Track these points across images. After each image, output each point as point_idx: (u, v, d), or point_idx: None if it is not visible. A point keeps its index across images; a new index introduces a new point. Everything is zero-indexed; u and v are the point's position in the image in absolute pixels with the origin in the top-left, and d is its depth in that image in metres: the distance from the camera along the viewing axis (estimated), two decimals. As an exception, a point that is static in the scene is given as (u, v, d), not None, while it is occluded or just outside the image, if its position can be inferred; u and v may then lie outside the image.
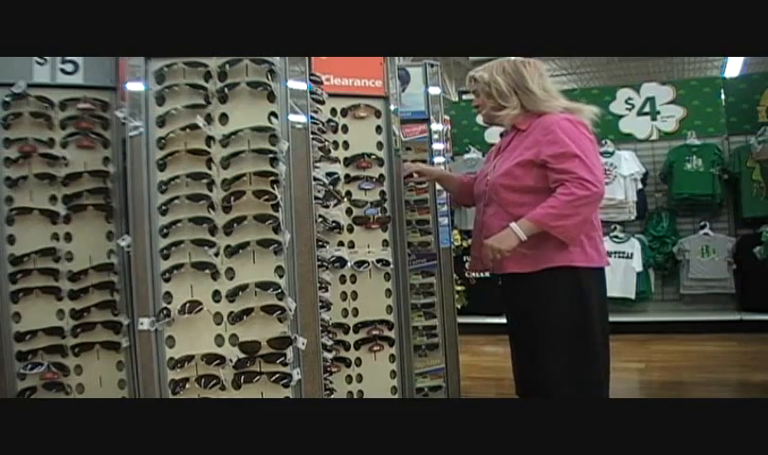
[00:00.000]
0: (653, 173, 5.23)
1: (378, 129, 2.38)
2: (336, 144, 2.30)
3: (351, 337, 2.28)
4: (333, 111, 2.30)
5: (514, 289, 1.94)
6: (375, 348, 2.30)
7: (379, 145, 2.37)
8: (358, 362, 2.30)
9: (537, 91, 1.91)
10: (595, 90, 6.53)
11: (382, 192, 2.35)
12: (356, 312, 2.30)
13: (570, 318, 1.82)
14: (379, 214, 2.33)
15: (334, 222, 2.10)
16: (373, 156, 2.34)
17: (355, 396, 2.29)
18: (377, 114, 2.37)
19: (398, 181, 2.37)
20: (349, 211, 2.31)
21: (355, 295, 2.30)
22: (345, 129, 2.34)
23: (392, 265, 2.33)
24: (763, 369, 3.76)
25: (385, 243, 2.34)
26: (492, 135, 5.18)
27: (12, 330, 1.82)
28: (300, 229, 1.69)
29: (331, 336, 2.04)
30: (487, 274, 2.04)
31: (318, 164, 1.91)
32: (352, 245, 2.30)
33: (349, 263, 2.24)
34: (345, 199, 2.28)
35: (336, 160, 2.23)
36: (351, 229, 2.31)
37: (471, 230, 2.39)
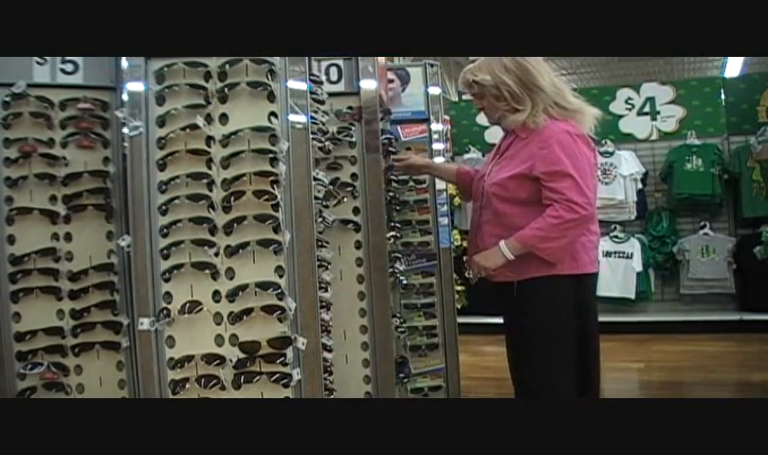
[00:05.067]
0: (653, 173, 5.24)
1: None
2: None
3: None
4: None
5: (503, 297, 1.94)
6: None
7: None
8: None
9: (547, 88, 1.84)
10: (595, 90, 6.53)
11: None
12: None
13: (549, 325, 1.83)
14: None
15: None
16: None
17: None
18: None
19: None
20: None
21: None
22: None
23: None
24: (763, 369, 3.76)
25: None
26: (492, 135, 5.18)
27: (12, 330, 1.82)
28: (300, 229, 1.69)
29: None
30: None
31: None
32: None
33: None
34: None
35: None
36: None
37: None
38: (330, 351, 1.98)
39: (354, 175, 2.27)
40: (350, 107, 2.27)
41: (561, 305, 1.83)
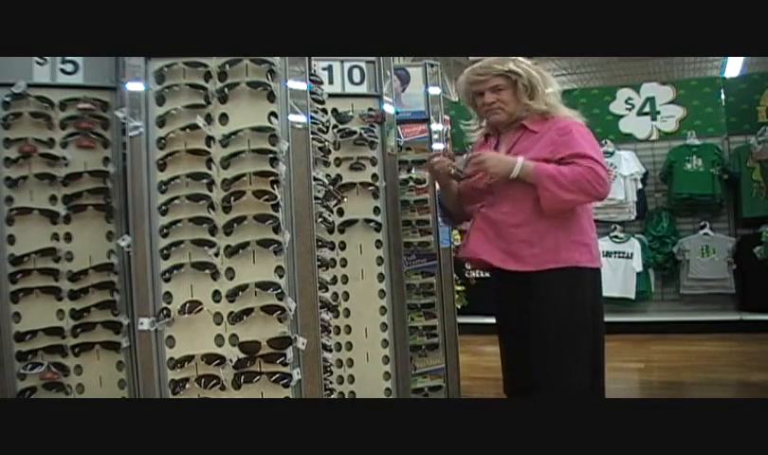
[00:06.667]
0: (653, 173, 5.23)
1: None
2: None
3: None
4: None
5: (514, 287, 1.90)
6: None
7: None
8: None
9: (555, 89, 1.94)
10: (595, 90, 6.51)
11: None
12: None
13: (569, 318, 1.82)
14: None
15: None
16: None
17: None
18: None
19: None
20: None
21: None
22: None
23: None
24: (763, 369, 3.75)
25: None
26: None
27: (12, 330, 1.82)
28: (300, 229, 1.69)
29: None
30: (487, 274, 2.02)
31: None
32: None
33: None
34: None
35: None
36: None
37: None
38: (330, 351, 1.98)
39: (374, 176, 2.31)
40: (371, 109, 2.30)
41: (583, 297, 1.84)
